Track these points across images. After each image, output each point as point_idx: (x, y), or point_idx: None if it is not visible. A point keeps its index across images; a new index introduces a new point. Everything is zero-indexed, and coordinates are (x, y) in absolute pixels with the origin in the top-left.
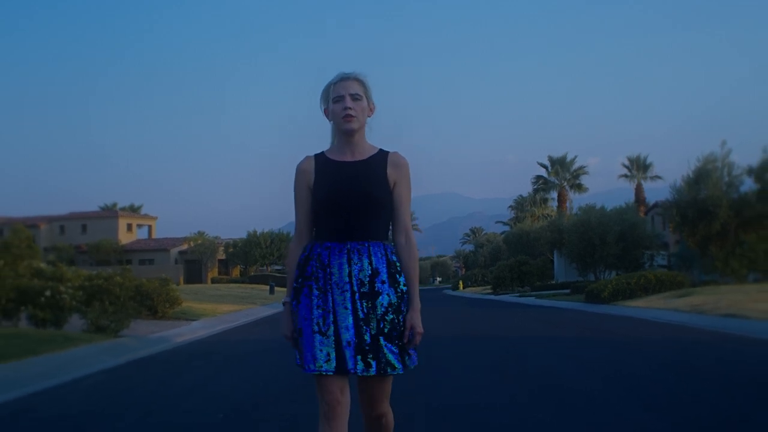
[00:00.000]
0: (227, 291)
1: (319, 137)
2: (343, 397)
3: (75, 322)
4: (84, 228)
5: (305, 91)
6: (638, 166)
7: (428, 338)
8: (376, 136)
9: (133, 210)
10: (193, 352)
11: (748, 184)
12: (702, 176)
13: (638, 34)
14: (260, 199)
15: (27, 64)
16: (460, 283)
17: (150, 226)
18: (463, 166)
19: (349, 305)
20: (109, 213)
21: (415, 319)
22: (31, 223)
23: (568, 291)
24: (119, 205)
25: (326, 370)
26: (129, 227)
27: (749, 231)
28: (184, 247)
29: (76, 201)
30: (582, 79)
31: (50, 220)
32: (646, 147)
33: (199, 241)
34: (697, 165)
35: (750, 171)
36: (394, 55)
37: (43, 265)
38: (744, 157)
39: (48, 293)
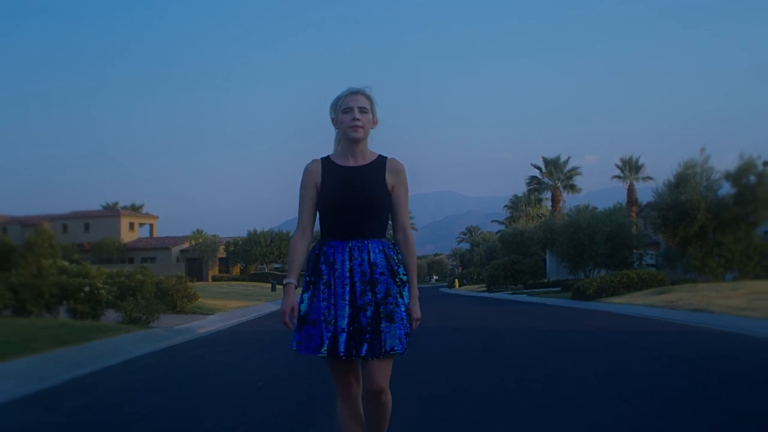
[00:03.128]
0: (230, 288)
1: (317, 137)
2: (355, 380)
3: (109, 315)
4: (87, 227)
5: (304, 90)
6: (630, 168)
7: (425, 330)
8: (376, 141)
9: (135, 209)
10: (219, 340)
11: (726, 188)
12: (682, 181)
13: (640, 32)
14: (259, 199)
15: (29, 62)
16: (456, 281)
17: (151, 225)
18: (459, 165)
19: (347, 297)
20: (111, 212)
21: (414, 306)
22: (35, 222)
23: (558, 289)
24: (120, 204)
25: (323, 353)
26: (131, 226)
27: (727, 232)
28: (186, 245)
29: (78, 199)
30: (581, 78)
31: (53, 219)
32: (645, 146)
33: (200, 240)
34: (678, 170)
35: (727, 176)
36: (391, 54)
37: (65, 263)
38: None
39: (87, 289)
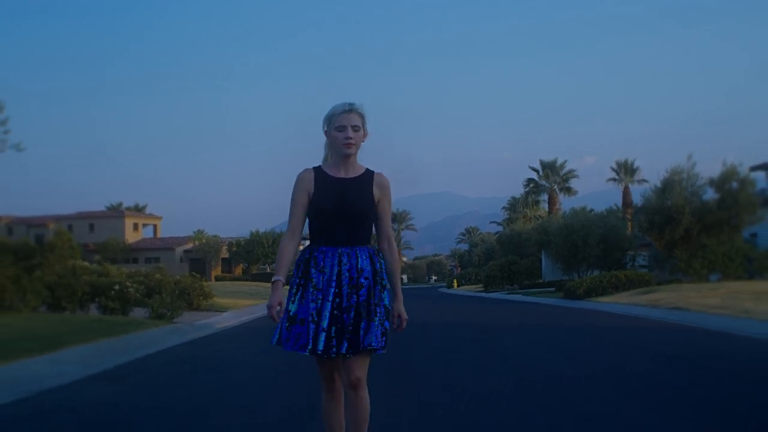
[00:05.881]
0: (236, 288)
1: (316, 137)
2: (338, 376)
3: (135, 312)
4: (91, 227)
5: (304, 90)
6: (626, 170)
7: (425, 327)
8: (376, 144)
9: (138, 209)
10: (234, 336)
11: (710, 194)
12: (668, 186)
13: (640, 32)
14: (259, 199)
15: (29, 63)
16: (455, 281)
17: (155, 226)
18: (458, 165)
19: (330, 298)
20: (116, 213)
21: (400, 308)
22: (40, 223)
23: (553, 289)
24: (124, 205)
25: (307, 352)
26: (135, 226)
27: (711, 235)
28: (189, 246)
29: (78, 200)
30: (581, 78)
31: (58, 219)
32: (645, 146)
33: (203, 240)
34: (665, 176)
35: (711, 182)
36: (391, 54)
37: (86, 263)
38: (743, 158)
39: (117, 287)
